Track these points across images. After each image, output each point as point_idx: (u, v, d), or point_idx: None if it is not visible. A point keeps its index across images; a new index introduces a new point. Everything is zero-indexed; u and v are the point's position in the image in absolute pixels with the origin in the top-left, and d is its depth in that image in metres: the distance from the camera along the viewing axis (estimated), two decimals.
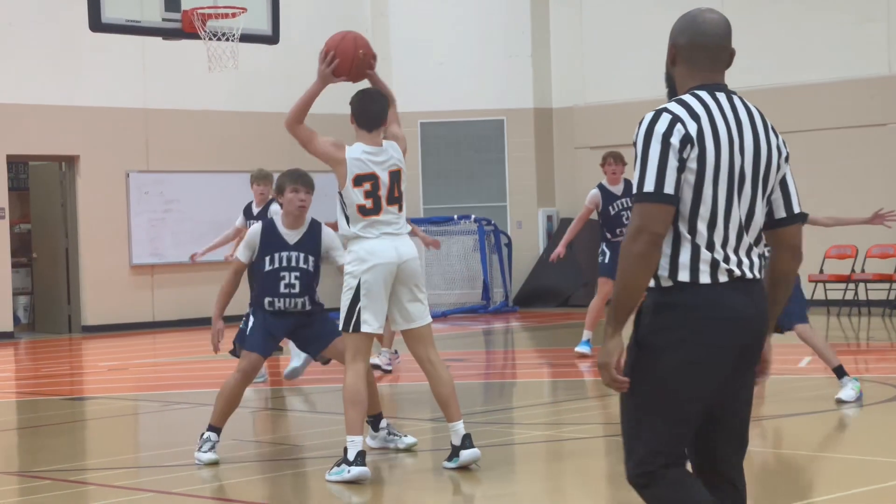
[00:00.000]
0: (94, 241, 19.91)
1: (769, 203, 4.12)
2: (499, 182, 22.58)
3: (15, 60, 19.18)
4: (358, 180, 7.79)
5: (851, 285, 19.06)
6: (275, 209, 13.22)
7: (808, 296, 11.60)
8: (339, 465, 7.71)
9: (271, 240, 8.47)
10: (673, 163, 3.90)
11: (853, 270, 19.13)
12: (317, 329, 8.52)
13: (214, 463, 8.34)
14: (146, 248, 20.20)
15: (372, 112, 8.01)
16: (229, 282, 8.53)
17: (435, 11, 22.50)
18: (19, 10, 19.26)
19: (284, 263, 8.37)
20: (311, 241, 8.45)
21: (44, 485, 7.94)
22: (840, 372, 10.31)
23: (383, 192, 7.80)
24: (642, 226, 3.87)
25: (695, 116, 3.96)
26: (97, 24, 13.63)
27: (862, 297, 19.08)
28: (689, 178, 3.93)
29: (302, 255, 8.41)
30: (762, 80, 20.33)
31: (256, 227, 8.63)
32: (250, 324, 8.51)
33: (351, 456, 7.62)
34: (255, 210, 13.16)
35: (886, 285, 18.99)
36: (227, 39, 14.52)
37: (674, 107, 3.98)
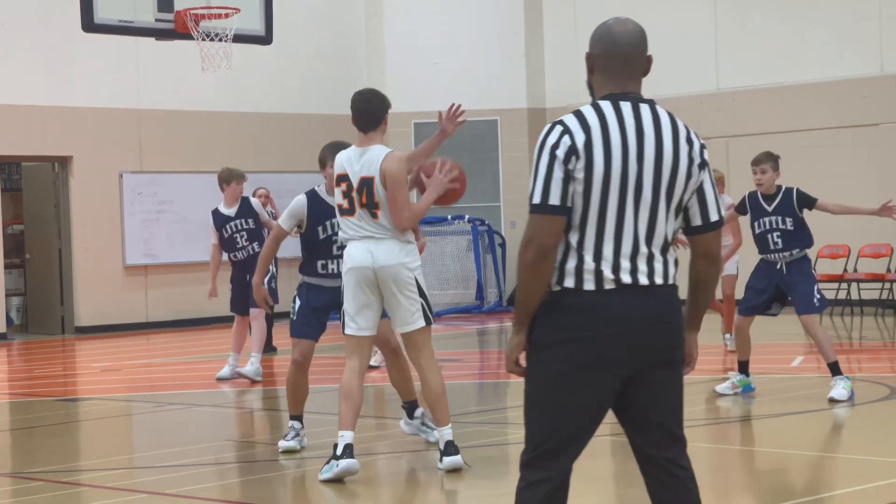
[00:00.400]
0: (87, 241, 19.89)
1: (686, 211, 4.19)
2: (493, 182, 22.61)
3: (8, 61, 19.17)
4: (338, 180, 7.81)
5: (844, 285, 19.09)
6: (254, 202, 13.24)
7: None
8: (328, 461, 7.75)
9: (320, 210, 8.57)
10: (558, 174, 4.02)
11: (846, 270, 19.16)
12: None
13: (291, 451, 8.59)
14: (140, 249, 20.19)
15: (361, 111, 7.91)
16: (269, 248, 8.75)
17: (429, 12, 22.51)
18: (12, 11, 19.24)
19: (337, 229, 8.36)
20: None
21: (38, 486, 7.94)
22: (835, 369, 10.34)
23: (356, 196, 7.78)
24: (531, 236, 4.04)
25: (585, 127, 4.06)
26: (90, 24, 13.61)
27: (854, 296, 19.11)
28: (579, 188, 4.04)
29: None
30: (754, 80, 20.36)
31: (301, 198, 8.61)
32: (295, 308, 8.63)
33: (339, 450, 7.66)
34: (229, 211, 13.02)
35: (879, 285, 19.02)
36: (221, 40, 14.52)
37: (568, 118, 4.10)
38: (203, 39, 14.31)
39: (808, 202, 10.50)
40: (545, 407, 4.14)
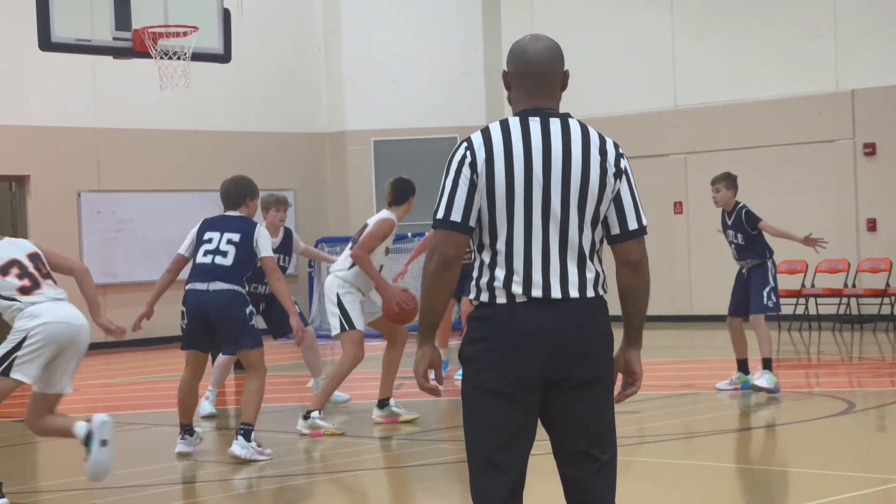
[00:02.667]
0: None
1: (605, 220, 4.20)
2: None
3: None
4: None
5: (802, 300, 19.23)
6: (296, 238, 12.51)
7: None
8: None
9: None
10: (461, 191, 4.11)
11: (803, 285, 19.30)
12: None
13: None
14: (98, 268, 20.06)
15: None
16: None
17: (387, 29, 22.56)
18: None
19: None
20: None
21: None
22: (767, 364, 11.49)
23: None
24: (434, 248, 4.14)
25: (488, 144, 4.13)
26: (47, 43, 13.55)
27: (812, 311, 19.24)
28: (483, 204, 4.12)
29: None
30: (711, 97, 20.49)
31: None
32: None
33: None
34: (275, 240, 11.93)
35: (836, 300, 19.16)
36: (179, 58, 14.49)
37: (475, 136, 4.17)
38: (161, 58, 14.29)
39: (752, 222, 11.75)
40: (471, 422, 4.17)
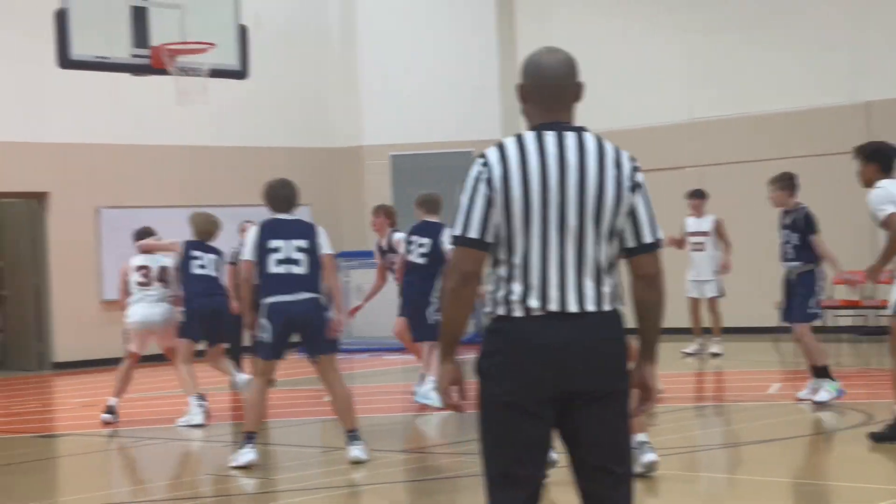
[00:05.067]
0: (65, 277, 19.83)
1: (621, 234, 4.18)
2: None
3: None
4: None
5: (820, 311, 19.16)
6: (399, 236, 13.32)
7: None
8: None
9: None
10: (478, 207, 4.11)
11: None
12: None
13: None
14: (117, 284, 20.10)
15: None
16: None
17: (404, 43, 22.59)
18: None
19: None
20: None
21: None
22: (823, 372, 11.25)
23: None
24: (453, 265, 4.14)
25: (504, 159, 4.13)
26: (65, 61, 13.61)
27: (830, 323, 19.18)
28: (501, 220, 4.11)
29: None
30: (727, 110, 20.46)
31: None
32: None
33: None
34: (382, 243, 13.51)
35: (854, 312, 19.09)
36: (197, 75, 14.55)
37: (490, 151, 4.18)
38: (179, 74, 14.34)
39: (810, 227, 11.80)
40: (487, 436, 4.16)
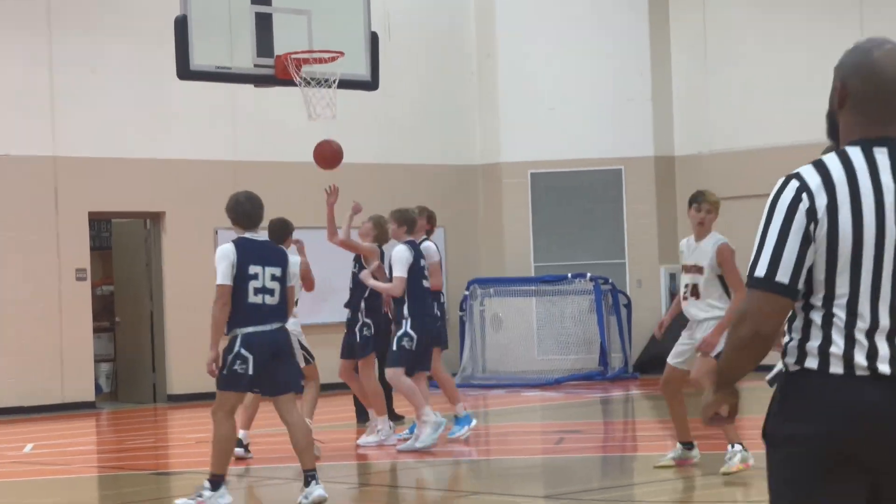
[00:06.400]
0: (180, 302, 20.06)
1: None
2: (617, 237, 22.50)
3: (97, 111, 19.46)
4: None
5: None
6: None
7: None
8: None
9: None
10: (794, 244, 3.67)
11: None
12: None
13: None
14: None
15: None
16: None
17: (545, 53, 22.55)
18: (102, 57, 19.55)
19: None
20: None
21: None
22: None
23: None
24: (747, 313, 3.71)
25: (829, 184, 3.67)
26: (185, 71, 13.82)
27: None
28: (821, 258, 3.68)
29: None
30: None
31: None
32: None
33: None
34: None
35: None
36: (324, 86, 14.62)
37: (806, 171, 3.71)
38: (305, 85, 14.44)
39: None
40: None
